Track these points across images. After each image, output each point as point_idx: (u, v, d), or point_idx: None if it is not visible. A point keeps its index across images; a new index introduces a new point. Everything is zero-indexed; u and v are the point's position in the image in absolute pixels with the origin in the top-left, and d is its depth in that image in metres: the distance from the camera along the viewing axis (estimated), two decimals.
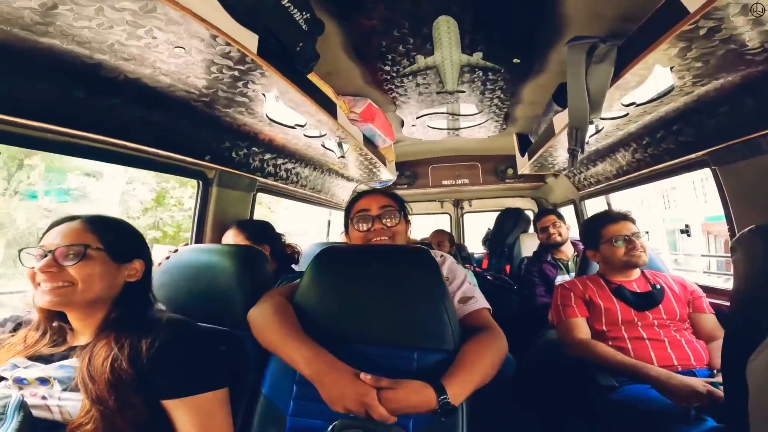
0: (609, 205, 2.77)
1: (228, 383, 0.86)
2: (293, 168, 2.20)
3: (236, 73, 1.09)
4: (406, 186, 3.49)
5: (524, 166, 2.62)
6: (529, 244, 3.14)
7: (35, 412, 0.71)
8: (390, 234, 1.14)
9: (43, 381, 0.77)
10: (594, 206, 2.97)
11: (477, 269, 2.98)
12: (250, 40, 0.98)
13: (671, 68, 1.08)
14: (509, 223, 3.54)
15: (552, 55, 1.56)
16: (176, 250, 1.22)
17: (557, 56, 1.54)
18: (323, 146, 1.98)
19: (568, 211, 3.01)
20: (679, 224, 13.99)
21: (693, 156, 1.56)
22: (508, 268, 3.39)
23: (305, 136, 1.77)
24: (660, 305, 1.44)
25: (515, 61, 1.56)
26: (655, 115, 1.51)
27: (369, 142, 2.16)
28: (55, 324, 0.86)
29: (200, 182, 1.73)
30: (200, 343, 0.85)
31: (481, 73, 1.66)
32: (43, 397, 0.75)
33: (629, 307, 1.46)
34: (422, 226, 3.93)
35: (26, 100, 0.97)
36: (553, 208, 2.80)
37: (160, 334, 0.79)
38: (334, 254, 1.02)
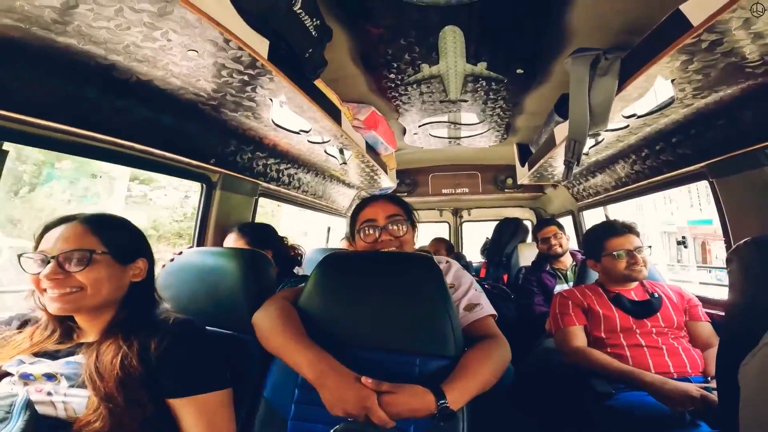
0: (607, 216, 2.79)
1: (231, 384, 0.86)
2: (295, 173, 2.20)
3: (246, 77, 1.11)
4: (405, 194, 3.49)
5: (524, 176, 2.63)
6: (527, 254, 3.14)
7: (39, 409, 0.71)
8: (398, 244, 1.14)
9: (50, 377, 0.76)
10: (592, 216, 2.99)
11: (475, 278, 2.97)
12: (261, 45, 1.00)
13: (672, 81, 1.10)
14: (508, 232, 3.55)
15: (555, 66, 1.57)
16: (180, 253, 1.22)
17: (560, 67, 1.55)
18: (326, 152, 1.99)
19: (566, 222, 3.03)
20: (669, 227, 14.61)
21: (691, 168, 1.59)
22: (505, 277, 3.40)
23: (309, 141, 1.79)
24: (658, 313, 1.46)
25: (519, 71, 1.57)
26: (654, 127, 1.53)
27: (371, 149, 2.18)
28: (63, 324, 0.85)
29: (204, 185, 1.74)
30: (207, 343, 0.85)
31: (484, 83, 1.67)
32: (49, 393, 0.75)
33: (628, 315, 1.47)
34: (421, 234, 3.91)
35: (37, 99, 0.98)
36: (554, 219, 2.81)
37: (168, 334, 0.79)
38: (339, 260, 1.02)
